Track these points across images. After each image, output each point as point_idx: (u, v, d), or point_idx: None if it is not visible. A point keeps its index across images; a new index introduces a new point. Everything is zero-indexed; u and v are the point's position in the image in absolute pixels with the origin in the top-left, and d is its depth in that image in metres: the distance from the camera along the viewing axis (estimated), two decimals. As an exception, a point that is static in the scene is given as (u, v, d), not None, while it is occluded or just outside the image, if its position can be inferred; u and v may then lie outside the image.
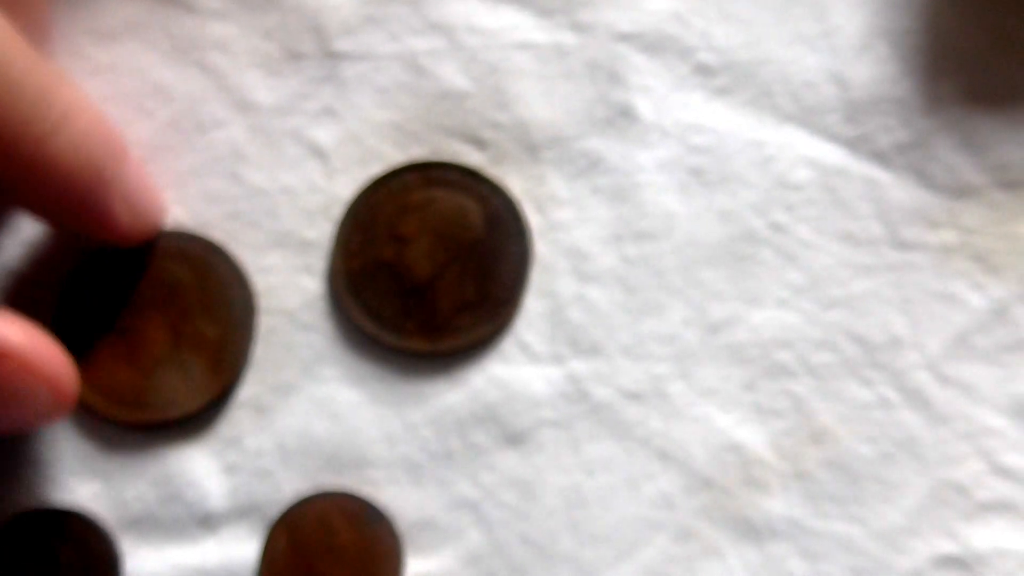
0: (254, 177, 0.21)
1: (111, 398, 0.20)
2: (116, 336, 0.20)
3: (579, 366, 0.20)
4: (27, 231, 0.21)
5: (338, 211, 0.21)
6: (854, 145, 0.20)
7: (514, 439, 0.20)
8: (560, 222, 0.20)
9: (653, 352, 0.20)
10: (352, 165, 0.21)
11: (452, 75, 0.21)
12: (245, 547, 0.20)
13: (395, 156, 0.21)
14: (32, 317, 0.20)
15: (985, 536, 0.19)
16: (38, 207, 0.18)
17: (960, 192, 0.20)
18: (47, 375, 0.17)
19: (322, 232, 0.21)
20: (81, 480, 0.20)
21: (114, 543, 0.20)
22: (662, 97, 0.21)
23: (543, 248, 0.20)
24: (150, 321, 0.20)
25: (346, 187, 0.21)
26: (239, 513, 0.20)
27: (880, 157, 0.20)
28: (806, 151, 0.20)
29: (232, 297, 0.20)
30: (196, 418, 0.20)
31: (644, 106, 0.21)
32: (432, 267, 0.20)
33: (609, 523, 0.19)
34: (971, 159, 0.20)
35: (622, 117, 0.21)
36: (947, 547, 0.19)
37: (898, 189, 0.20)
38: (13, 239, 0.20)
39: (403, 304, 0.20)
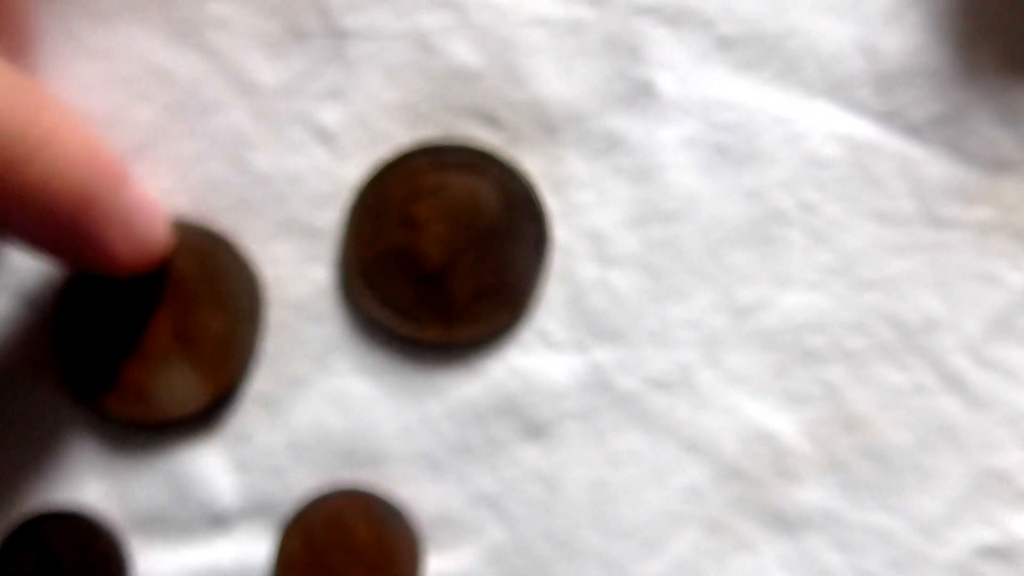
0: (259, 162, 0.20)
1: (115, 395, 0.19)
2: (119, 331, 0.19)
3: (602, 354, 0.19)
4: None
5: (347, 197, 0.20)
6: (886, 119, 0.20)
7: (536, 431, 0.19)
8: (579, 204, 0.20)
9: (679, 338, 0.19)
10: (361, 148, 0.20)
11: (464, 53, 0.20)
12: (258, 547, 0.19)
13: (405, 138, 0.20)
14: (34, 314, 0.20)
15: (1029, 526, 0.18)
16: (25, 237, 0.17)
17: (998, 167, 0.19)
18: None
19: (331, 219, 0.20)
20: (89, 480, 0.19)
21: (121, 544, 0.19)
22: (684, 72, 0.20)
23: (562, 232, 0.20)
24: (154, 315, 0.19)
25: (355, 172, 0.20)
26: (251, 512, 0.19)
27: (914, 131, 0.20)
28: (836, 127, 0.20)
29: (239, 289, 0.19)
30: (204, 414, 0.19)
31: (665, 82, 0.20)
32: (447, 254, 0.19)
33: (636, 517, 0.19)
34: (1009, 132, 0.19)
35: (642, 94, 0.20)
36: (989, 537, 0.18)
37: (933, 165, 0.19)
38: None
39: (417, 292, 0.19)
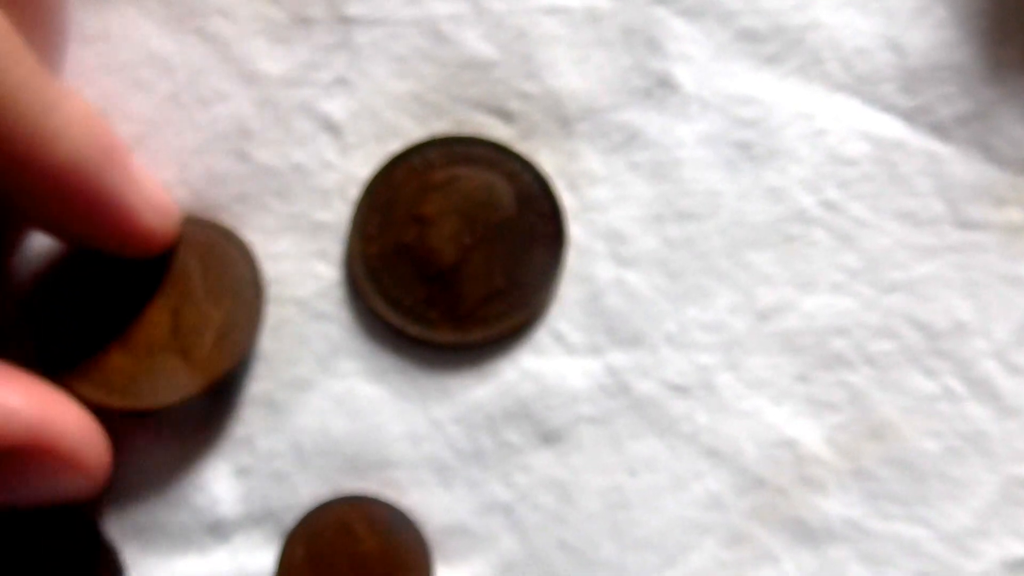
0: (262, 155, 0.19)
1: (100, 385, 0.18)
2: (109, 320, 0.18)
3: (619, 357, 0.19)
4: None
5: (354, 191, 0.19)
6: (912, 116, 0.19)
7: (549, 437, 0.18)
8: (596, 201, 0.19)
9: (698, 341, 0.19)
10: (368, 141, 0.19)
11: (476, 42, 0.19)
12: (259, 556, 0.18)
13: (415, 131, 0.19)
14: (20, 305, 0.19)
15: (1060, 537, 0.18)
16: (50, 215, 0.17)
17: (1027, 166, 0.19)
18: (71, 454, 0.17)
19: (337, 214, 0.19)
20: (78, 485, 0.18)
21: (113, 553, 0.18)
22: (703, 65, 0.19)
23: (577, 230, 0.19)
24: (149, 305, 0.18)
25: (362, 165, 0.19)
26: (252, 520, 0.18)
27: (940, 129, 0.19)
28: (860, 123, 0.19)
29: (239, 283, 0.19)
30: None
31: (684, 75, 0.19)
32: (457, 251, 0.19)
33: (654, 526, 0.18)
34: (1038, 130, 0.19)
35: (661, 87, 0.19)
36: (1019, 549, 0.18)
37: (960, 164, 0.19)
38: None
39: (426, 291, 0.19)
